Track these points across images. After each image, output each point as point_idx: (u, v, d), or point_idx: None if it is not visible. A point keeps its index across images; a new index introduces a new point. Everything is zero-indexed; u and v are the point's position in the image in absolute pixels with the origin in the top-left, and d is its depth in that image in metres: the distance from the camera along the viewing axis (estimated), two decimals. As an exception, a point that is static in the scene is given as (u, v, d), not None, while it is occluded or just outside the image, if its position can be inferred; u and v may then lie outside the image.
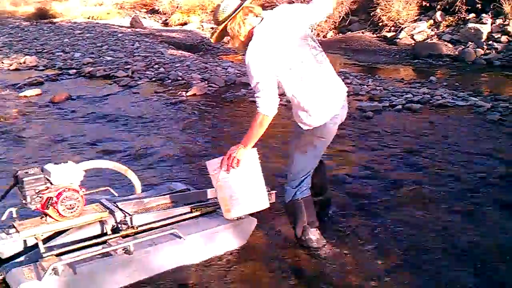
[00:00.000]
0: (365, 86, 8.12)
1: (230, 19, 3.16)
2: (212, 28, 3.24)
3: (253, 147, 3.26)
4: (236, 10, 3.14)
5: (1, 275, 3.14)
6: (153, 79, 9.72)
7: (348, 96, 7.25)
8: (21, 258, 3.26)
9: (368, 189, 4.48)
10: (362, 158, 5.30)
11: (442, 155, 5.28)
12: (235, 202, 3.38)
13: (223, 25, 3.19)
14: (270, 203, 3.56)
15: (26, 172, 3.36)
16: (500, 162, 5.00)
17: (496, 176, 4.66)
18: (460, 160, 5.10)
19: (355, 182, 4.66)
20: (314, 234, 3.49)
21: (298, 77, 3.14)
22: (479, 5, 11.79)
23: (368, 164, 5.11)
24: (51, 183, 3.35)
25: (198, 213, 3.73)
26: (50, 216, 3.31)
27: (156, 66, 10.77)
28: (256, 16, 3.20)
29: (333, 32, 14.63)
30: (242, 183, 3.34)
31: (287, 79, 3.15)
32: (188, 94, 8.34)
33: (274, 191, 4.01)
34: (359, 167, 5.04)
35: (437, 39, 11.91)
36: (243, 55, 3.27)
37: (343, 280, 3.16)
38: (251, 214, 3.61)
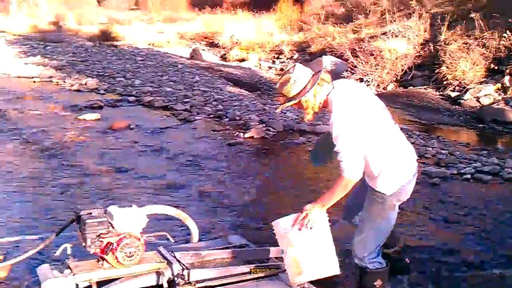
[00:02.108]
0: (430, 148, 7.80)
1: (305, 95, 3.10)
2: (278, 93, 3.20)
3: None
4: (313, 84, 3.08)
5: (50, 317, 3.03)
6: (211, 115, 9.67)
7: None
8: (72, 302, 3.14)
9: (446, 271, 4.16)
10: (433, 231, 4.99)
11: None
12: (306, 265, 3.17)
13: (297, 100, 3.12)
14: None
15: (90, 213, 3.26)
16: None
17: None
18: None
19: (430, 259, 4.35)
20: None
21: (383, 139, 3.12)
22: (551, 74, 11.37)
23: (440, 238, 4.80)
24: (112, 227, 3.24)
25: (258, 274, 3.53)
26: (107, 262, 3.20)
27: (215, 102, 10.74)
28: (328, 83, 3.17)
29: (394, 85, 14.37)
30: (314, 245, 3.15)
31: (373, 142, 3.09)
32: (246, 136, 8.23)
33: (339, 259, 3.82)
34: (430, 241, 4.74)
35: (504, 104, 11.49)
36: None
37: None
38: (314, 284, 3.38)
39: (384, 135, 3.14)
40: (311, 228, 3.07)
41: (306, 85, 3.10)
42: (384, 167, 3.13)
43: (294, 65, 3.18)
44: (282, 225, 3.21)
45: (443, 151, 7.72)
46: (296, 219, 3.11)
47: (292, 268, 3.23)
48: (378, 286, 3.35)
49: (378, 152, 3.11)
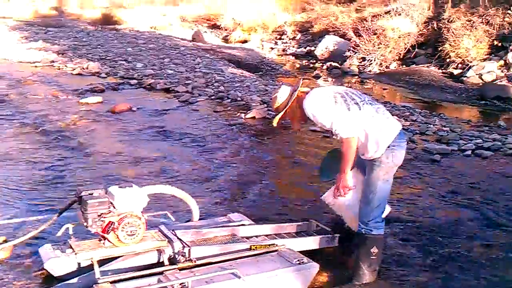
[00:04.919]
0: (431, 126, 7.81)
1: (288, 106, 3.60)
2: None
3: None
4: (290, 96, 3.60)
5: (54, 296, 3.08)
6: (213, 97, 9.66)
7: (413, 135, 7.05)
8: (74, 280, 3.20)
9: (446, 244, 4.22)
10: (432, 205, 5.04)
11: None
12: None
13: (282, 112, 3.64)
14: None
15: (91, 194, 3.29)
16: None
17: None
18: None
19: (430, 232, 4.44)
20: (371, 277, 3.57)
21: (364, 115, 3.44)
22: (554, 50, 11.30)
23: (440, 213, 4.86)
24: (114, 207, 3.28)
25: (258, 251, 3.57)
26: (108, 241, 3.24)
27: (216, 84, 10.73)
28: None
29: (397, 63, 14.34)
30: (356, 196, 3.65)
31: (356, 121, 3.42)
32: (247, 116, 8.23)
33: (338, 235, 3.88)
34: (429, 215, 4.80)
35: (507, 81, 11.46)
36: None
37: None
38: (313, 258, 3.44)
39: (364, 112, 3.45)
40: (348, 191, 3.62)
41: (285, 100, 3.62)
42: (370, 137, 3.43)
43: (280, 86, 3.80)
44: (328, 199, 3.80)
45: (444, 128, 7.73)
46: (335, 190, 3.67)
47: (352, 224, 3.75)
48: (374, 254, 3.50)
49: (362, 128, 3.42)
